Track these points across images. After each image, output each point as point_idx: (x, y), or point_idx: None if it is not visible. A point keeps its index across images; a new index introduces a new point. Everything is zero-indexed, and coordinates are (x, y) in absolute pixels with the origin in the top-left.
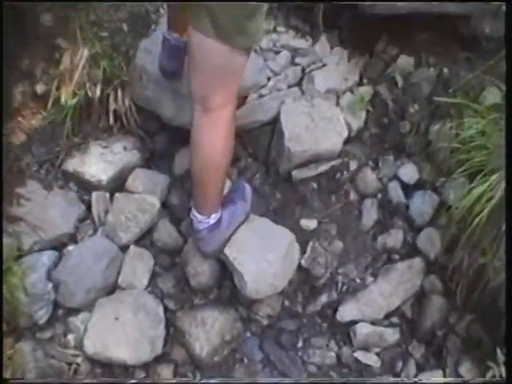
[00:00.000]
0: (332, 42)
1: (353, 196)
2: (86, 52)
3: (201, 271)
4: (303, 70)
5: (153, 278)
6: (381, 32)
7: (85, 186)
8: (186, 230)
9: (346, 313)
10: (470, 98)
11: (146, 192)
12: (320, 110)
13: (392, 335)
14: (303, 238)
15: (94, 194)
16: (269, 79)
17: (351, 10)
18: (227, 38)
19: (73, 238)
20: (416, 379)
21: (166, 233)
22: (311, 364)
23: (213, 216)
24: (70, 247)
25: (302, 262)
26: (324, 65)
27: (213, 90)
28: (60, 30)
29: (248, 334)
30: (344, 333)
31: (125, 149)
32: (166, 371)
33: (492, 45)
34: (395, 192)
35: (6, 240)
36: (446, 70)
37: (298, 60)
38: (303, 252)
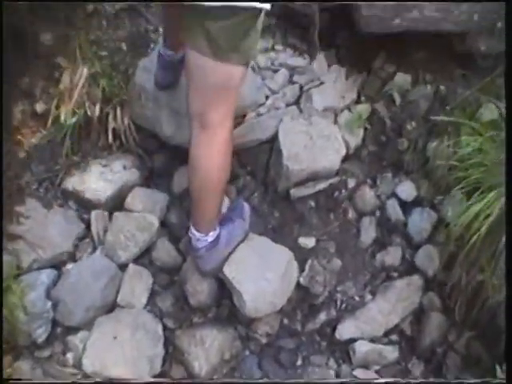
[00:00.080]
0: (329, 60)
1: (351, 214)
2: (85, 71)
3: (200, 290)
4: (301, 88)
5: (152, 297)
6: (378, 50)
7: (84, 205)
8: (184, 249)
9: (344, 331)
10: (466, 115)
11: (145, 211)
12: (318, 128)
13: (391, 353)
14: (302, 257)
15: (94, 213)
16: (267, 98)
17: (348, 28)
18: (223, 55)
19: (72, 257)
20: None
21: (165, 251)
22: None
23: (211, 234)
24: (69, 266)
25: (301, 280)
26: (322, 83)
27: (210, 107)
28: (60, 49)
29: (247, 353)
30: (343, 351)
31: (124, 167)
32: None
33: (488, 62)
34: (393, 209)
35: (5, 258)
36: (442, 88)
37: (295, 78)
38: (302, 270)
